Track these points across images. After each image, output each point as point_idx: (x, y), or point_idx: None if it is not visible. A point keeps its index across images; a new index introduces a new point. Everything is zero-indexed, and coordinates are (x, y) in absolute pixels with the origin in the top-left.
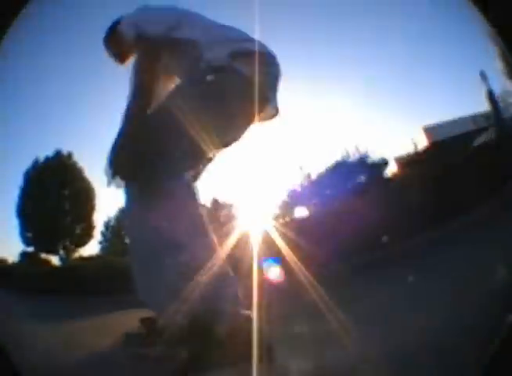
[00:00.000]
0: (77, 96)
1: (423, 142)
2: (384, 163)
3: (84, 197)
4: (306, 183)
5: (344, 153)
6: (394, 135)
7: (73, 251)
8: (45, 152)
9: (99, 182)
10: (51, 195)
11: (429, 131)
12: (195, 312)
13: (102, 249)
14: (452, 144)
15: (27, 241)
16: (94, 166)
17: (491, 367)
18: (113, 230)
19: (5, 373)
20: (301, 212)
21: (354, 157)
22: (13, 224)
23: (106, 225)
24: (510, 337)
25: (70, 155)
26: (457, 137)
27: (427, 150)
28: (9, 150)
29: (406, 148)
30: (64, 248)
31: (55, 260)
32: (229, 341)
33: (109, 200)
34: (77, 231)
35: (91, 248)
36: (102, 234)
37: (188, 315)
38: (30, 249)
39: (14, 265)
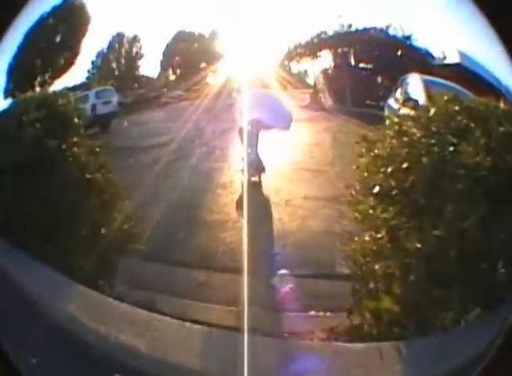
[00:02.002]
0: None
1: None
2: None
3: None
4: None
5: None
6: None
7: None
8: None
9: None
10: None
11: None
12: None
13: (88, 78)
14: None
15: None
16: None
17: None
18: (105, 58)
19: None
20: None
21: None
22: None
23: (99, 54)
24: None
25: None
26: None
27: None
28: None
29: None
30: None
31: None
32: None
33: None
34: (61, 62)
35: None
36: (93, 63)
37: None
38: None
39: None
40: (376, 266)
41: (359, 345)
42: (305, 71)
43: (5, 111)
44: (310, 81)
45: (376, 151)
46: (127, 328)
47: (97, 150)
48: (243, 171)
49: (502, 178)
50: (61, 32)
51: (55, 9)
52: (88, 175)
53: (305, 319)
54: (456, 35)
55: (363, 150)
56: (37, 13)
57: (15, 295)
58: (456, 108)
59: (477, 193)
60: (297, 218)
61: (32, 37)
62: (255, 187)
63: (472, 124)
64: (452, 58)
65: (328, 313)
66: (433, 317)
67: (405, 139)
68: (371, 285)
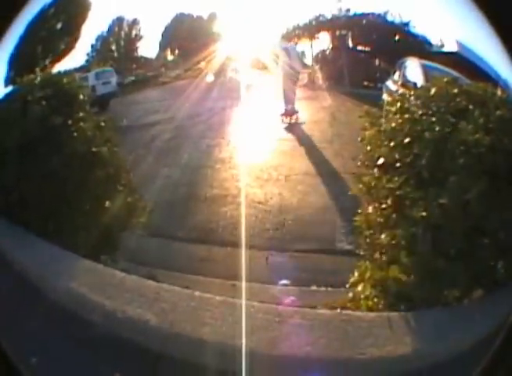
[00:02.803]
0: None
1: None
2: None
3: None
4: None
5: None
6: None
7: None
8: None
9: None
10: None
11: None
12: None
13: (87, 61)
14: None
15: None
16: None
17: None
18: (105, 41)
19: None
20: None
21: None
22: None
23: (99, 38)
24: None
25: None
26: None
27: None
28: None
29: None
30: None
31: None
32: None
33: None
34: (61, 47)
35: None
36: (92, 46)
37: None
38: None
39: None
40: (382, 236)
41: (369, 314)
42: (303, 52)
43: (9, 94)
44: (308, 61)
45: (379, 125)
46: (135, 301)
47: (102, 124)
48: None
49: (499, 158)
50: (62, 20)
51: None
52: (94, 149)
53: (307, 293)
54: (454, 25)
55: (367, 124)
56: (39, 5)
57: (15, 276)
58: (455, 90)
59: (477, 169)
60: (297, 193)
61: (34, 28)
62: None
63: (471, 106)
64: (450, 46)
65: (330, 288)
66: (438, 292)
67: (407, 115)
68: (377, 256)
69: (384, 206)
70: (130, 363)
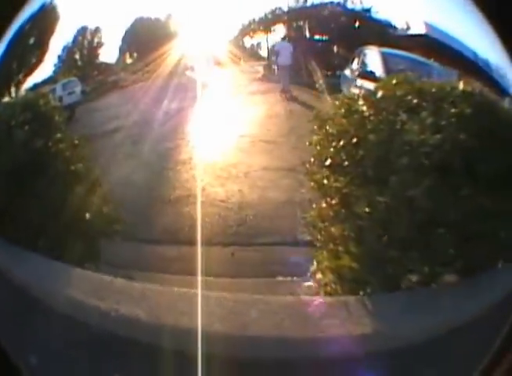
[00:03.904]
0: None
1: None
2: None
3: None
4: None
5: None
6: None
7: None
8: None
9: None
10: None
11: None
12: None
13: (54, 72)
14: None
15: None
16: None
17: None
18: (69, 51)
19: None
20: None
21: None
22: None
23: (64, 48)
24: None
25: None
26: None
27: None
28: None
29: None
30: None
31: None
32: None
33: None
34: (33, 61)
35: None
36: (59, 57)
37: None
38: None
39: None
40: (333, 229)
41: (327, 299)
42: (258, 44)
43: None
44: (263, 53)
45: (327, 128)
46: (125, 301)
47: (76, 142)
48: None
49: (452, 155)
50: (34, 35)
51: (32, 16)
52: (72, 167)
53: (273, 284)
54: (422, 6)
55: (315, 127)
56: (18, 23)
57: (15, 289)
58: (406, 90)
59: (423, 167)
60: (257, 189)
61: (11, 45)
62: None
63: (425, 104)
64: (418, 29)
65: (295, 278)
66: (396, 277)
67: (356, 116)
68: (331, 246)
69: (333, 202)
70: (125, 358)
